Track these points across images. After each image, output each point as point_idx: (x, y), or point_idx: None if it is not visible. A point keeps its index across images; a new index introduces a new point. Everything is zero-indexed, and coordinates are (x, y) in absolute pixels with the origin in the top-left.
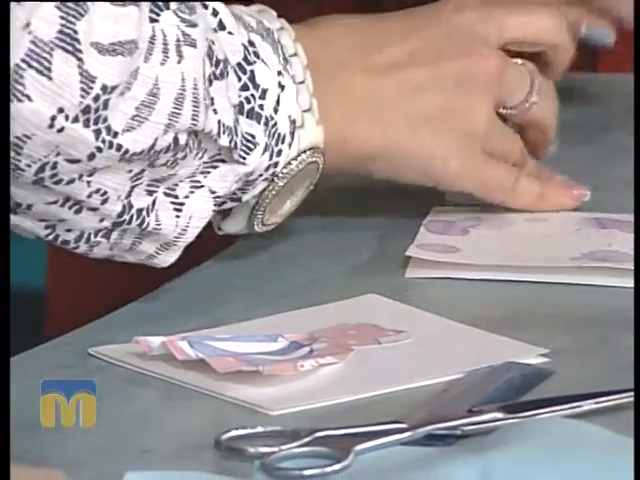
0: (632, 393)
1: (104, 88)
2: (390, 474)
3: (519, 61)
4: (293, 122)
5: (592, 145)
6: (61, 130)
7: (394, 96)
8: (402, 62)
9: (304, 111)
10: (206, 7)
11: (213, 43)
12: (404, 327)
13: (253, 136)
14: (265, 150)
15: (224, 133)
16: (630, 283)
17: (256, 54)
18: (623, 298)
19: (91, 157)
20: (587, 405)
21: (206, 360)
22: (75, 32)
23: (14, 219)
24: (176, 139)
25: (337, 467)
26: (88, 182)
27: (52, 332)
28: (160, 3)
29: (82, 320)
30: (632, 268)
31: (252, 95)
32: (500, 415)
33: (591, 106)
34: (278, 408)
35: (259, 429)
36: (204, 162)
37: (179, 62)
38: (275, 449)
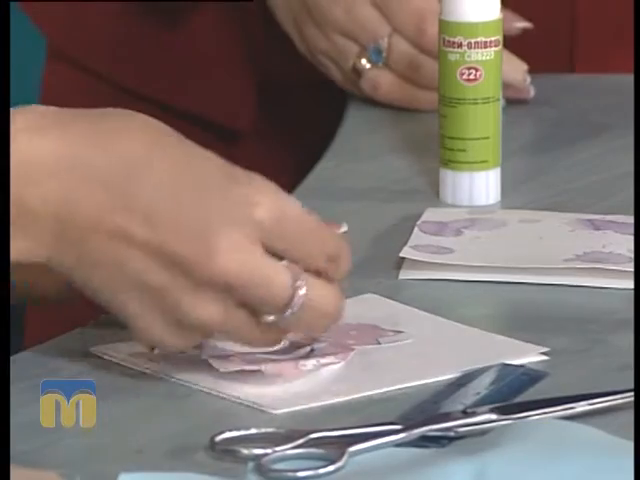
0: (625, 394)
1: None
2: (384, 475)
3: (283, 263)
4: None
5: (575, 146)
6: None
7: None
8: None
9: None
10: None
11: None
12: (403, 327)
13: None
14: None
15: None
16: (624, 284)
17: None
18: (617, 299)
19: None
20: (581, 406)
21: (208, 359)
22: None
23: None
24: None
25: (331, 468)
26: None
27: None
28: None
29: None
30: (625, 269)
31: None
32: (494, 416)
33: (569, 107)
34: (281, 407)
35: (253, 430)
36: None
37: None
38: (269, 450)
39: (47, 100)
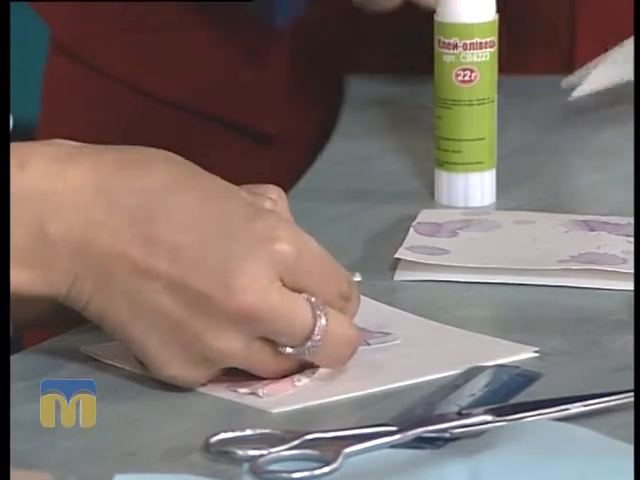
0: (620, 396)
1: None
2: (379, 477)
3: (303, 296)
4: None
5: (570, 147)
6: None
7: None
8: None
9: None
10: None
11: None
12: (390, 329)
13: None
14: None
15: None
16: (619, 285)
17: None
18: (612, 300)
19: None
20: (576, 408)
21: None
22: None
23: None
24: None
25: (326, 470)
26: None
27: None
28: None
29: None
30: (620, 270)
31: None
32: (489, 418)
33: (565, 108)
34: (277, 407)
35: (248, 432)
36: None
37: None
38: (264, 452)
39: (48, 93)
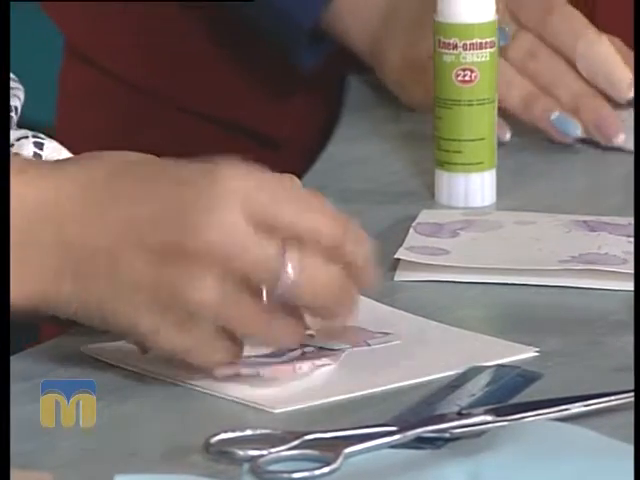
0: (620, 396)
1: None
2: (379, 477)
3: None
4: None
5: (570, 148)
6: None
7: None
8: (136, 222)
9: None
10: None
11: None
12: (391, 329)
13: None
14: None
15: None
16: (619, 286)
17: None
18: (612, 301)
19: None
20: (576, 408)
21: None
22: None
23: None
24: None
25: (326, 470)
26: None
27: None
28: None
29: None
30: (621, 271)
31: None
32: (489, 418)
33: None
34: (280, 407)
35: (248, 432)
36: None
37: None
38: (264, 452)
39: (63, 98)
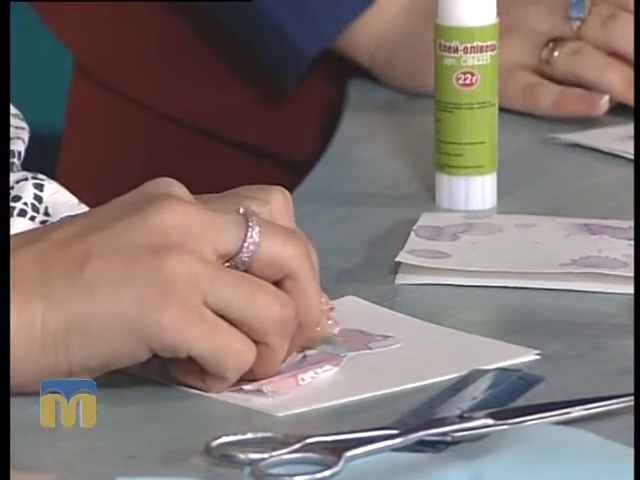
0: (622, 399)
1: None
2: None
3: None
4: None
5: (570, 151)
6: None
7: (63, 270)
8: (75, 234)
9: None
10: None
11: None
12: (391, 332)
13: None
14: None
15: None
16: (620, 289)
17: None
18: (613, 304)
19: None
20: (577, 411)
21: None
22: None
23: None
24: None
25: (327, 473)
26: None
27: None
28: None
29: None
30: (622, 274)
31: None
32: (490, 421)
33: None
34: (283, 411)
35: (249, 435)
36: None
37: None
38: (265, 455)
39: (72, 117)
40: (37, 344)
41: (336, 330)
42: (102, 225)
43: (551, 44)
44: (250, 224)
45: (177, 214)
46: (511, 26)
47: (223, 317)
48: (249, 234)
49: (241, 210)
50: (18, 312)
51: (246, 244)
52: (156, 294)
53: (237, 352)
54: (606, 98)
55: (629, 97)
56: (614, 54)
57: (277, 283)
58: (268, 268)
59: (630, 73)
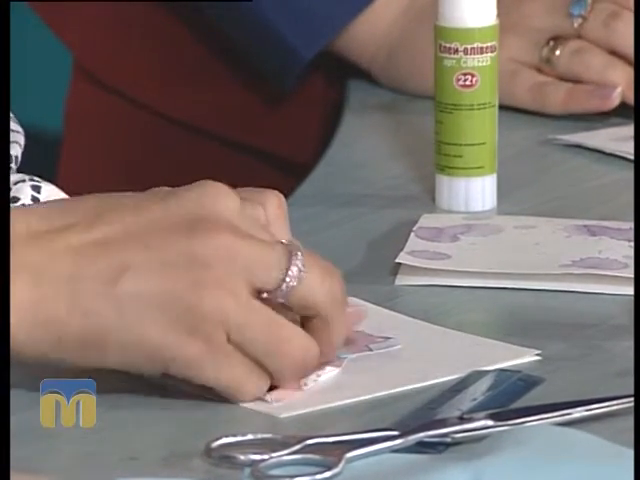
0: (622, 400)
1: None
2: None
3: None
4: None
5: (570, 152)
6: None
7: (97, 276)
8: (113, 240)
9: None
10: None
11: None
12: (392, 333)
13: None
14: None
15: None
16: (620, 290)
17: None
18: (613, 305)
19: None
20: (578, 412)
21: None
22: None
23: None
24: None
25: (328, 474)
26: None
27: None
28: None
29: None
30: (622, 275)
31: None
32: (491, 422)
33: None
34: (285, 412)
35: (250, 436)
36: None
37: None
38: (266, 456)
39: (71, 116)
40: (54, 341)
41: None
42: (141, 237)
43: (552, 43)
44: (293, 261)
45: (222, 246)
46: (512, 25)
47: (244, 352)
48: (290, 271)
49: (285, 241)
50: (37, 304)
51: (286, 281)
52: (184, 326)
53: (253, 387)
54: (618, 90)
55: (630, 96)
56: (615, 52)
57: (306, 319)
58: (301, 306)
59: (632, 73)
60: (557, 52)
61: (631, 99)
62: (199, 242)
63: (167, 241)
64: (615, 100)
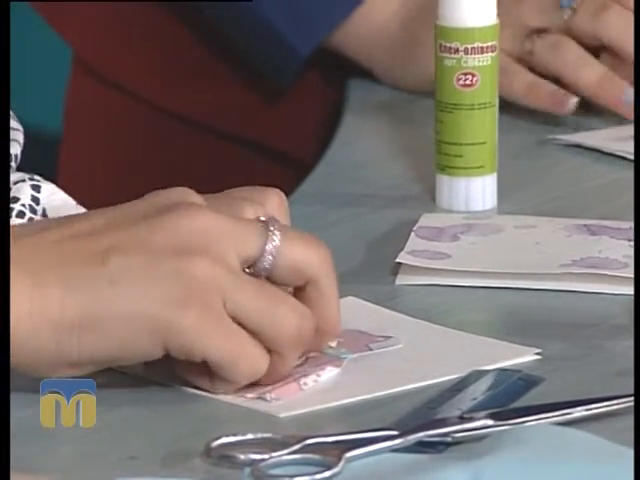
0: (622, 400)
1: None
2: None
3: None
4: None
5: (570, 151)
6: None
7: (84, 261)
8: (94, 230)
9: None
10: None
11: None
12: (392, 333)
13: None
14: None
15: None
16: (620, 290)
17: None
18: (613, 305)
19: None
20: (578, 412)
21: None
22: None
23: None
24: None
25: (327, 474)
26: None
27: None
28: None
29: None
30: (622, 275)
31: None
32: (491, 422)
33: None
34: (285, 411)
35: (249, 436)
36: None
37: None
38: (265, 456)
39: (71, 111)
40: (51, 328)
41: (334, 343)
42: (120, 224)
43: (534, 35)
44: (271, 230)
45: (200, 219)
46: (502, 16)
47: (240, 324)
48: (270, 240)
49: (262, 217)
50: (31, 295)
51: (267, 250)
52: (178, 295)
53: (251, 360)
54: (574, 100)
55: (603, 96)
56: (603, 46)
57: (298, 291)
58: (289, 274)
59: (605, 71)
60: (537, 45)
61: (602, 98)
62: (182, 220)
63: (150, 223)
64: (568, 108)
